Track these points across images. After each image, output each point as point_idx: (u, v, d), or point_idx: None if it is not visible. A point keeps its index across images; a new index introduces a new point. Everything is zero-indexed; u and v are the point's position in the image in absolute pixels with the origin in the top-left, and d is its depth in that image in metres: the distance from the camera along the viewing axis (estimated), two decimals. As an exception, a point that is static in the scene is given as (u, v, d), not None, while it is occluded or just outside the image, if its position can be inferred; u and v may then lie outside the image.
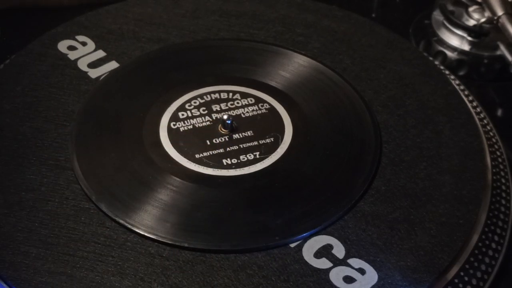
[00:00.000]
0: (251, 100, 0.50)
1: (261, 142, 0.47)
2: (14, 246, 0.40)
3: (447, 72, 0.54)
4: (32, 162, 0.45)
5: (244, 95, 0.50)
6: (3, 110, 0.48)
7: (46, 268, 0.39)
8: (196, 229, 0.41)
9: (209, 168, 0.45)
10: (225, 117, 0.47)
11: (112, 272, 0.39)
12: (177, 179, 0.44)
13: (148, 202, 0.43)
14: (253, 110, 0.49)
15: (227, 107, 0.49)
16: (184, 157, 0.45)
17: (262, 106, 0.49)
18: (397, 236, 0.41)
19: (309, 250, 0.41)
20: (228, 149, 0.46)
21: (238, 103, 0.49)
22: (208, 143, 0.47)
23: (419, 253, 0.41)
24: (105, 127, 0.47)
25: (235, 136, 0.47)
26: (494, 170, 0.47)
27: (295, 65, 0.52)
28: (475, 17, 0.58)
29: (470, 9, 0.59)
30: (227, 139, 0.47)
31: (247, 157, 0.46)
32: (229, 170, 0.45)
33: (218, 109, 0.49)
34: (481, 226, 0.43)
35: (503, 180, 0.47)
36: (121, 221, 0.42)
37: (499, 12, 0.56)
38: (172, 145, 0.46)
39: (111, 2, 0.58)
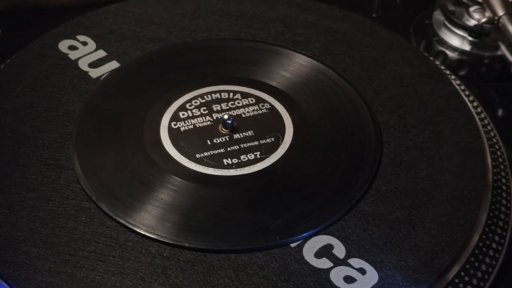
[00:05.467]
0: (251, 100, 0.50)
1: (262, 142, 0.47)
2: (14, 246, 0.40)
3: (447, 72, 0.54)
4: (32, 162, 0.45)
5: (244, 95, 0.50)
6: (3, 110, 0.48)
7: (47, 268, 0.39)
8: (196, 229, 0.41)
9: (209, 168, 0.45)
10: (225, 117, 0.47)
11: (113, 272, 0.39)
12: (178, 179, 0.44)
13: (148, 202, 0.43)
14: (253, 110, 0.49)
15: (227, 107, 0.49)
16: (185, 157, 0.45)
17: (262, 106, 0.49)
18: (398, 236, 0.41)
19: (309, 250, 0.41)
20: (228, 149, 0.46)
21: (238, 103, 0.49)
22: (209, 143, 0.47)
23: (420, 253, 0.41)
24: (106, 127, 0.47)
25: (236, 136, 0.47)
26: (494, 170, 0.47)
27: (295, 65, 0.52)
28: (475, 17, 0.58)
29: (471, 9, 0.59)
30: (227, 139, 0.47)
31: (248, 157, 0.46)
32: (230, 170, 0.45)
33: (219, 109, 0.49)
34: (482, 226, 0.43)
35: (503, 180, 0.47)
36: (122, 221, 0.42)
37: (500, 12, 0.56)
38: (173, 145, 0.46)
39: (111, 2, 0.58)
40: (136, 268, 0.40)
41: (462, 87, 0.53)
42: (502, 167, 0.48)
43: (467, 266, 0.41)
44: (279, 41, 0.54)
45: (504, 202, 0.46)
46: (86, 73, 0.51)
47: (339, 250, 0.41)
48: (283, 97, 0.50)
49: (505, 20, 0.55)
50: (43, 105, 0.49)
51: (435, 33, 0.60)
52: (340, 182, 0.44)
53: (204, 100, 0.49)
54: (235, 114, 0.48)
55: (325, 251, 0.41)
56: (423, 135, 0.47)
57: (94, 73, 0.51)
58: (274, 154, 0.46)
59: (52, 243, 0.41)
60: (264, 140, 0.47)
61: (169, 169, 0.45)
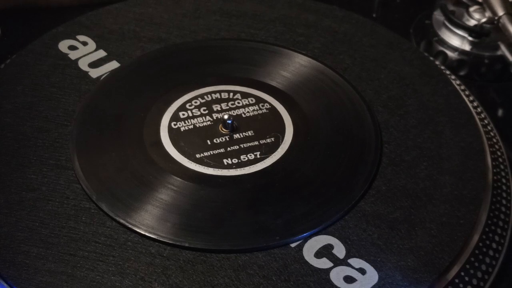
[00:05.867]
0: (251, 100, 0.50)
1: (262, 142, 0.47)
2: (14, 246, 0.40)
3: (447, 72, 0.54)
4: (32, 162, 0.45)
5: (244, 95, 0.50)
6: (4, 110, 0.48)
7: (47, 268, 0.39)
8: (196, 229, 0.41)
9: (209, 168, 0.45)
10: (225, 117, 0.47)
11: (113, 272, 0.39)
12: (178, 179, 0.44)
13: (148, 202, 0.43)
14: (253, 110, 0.49)
15: (227, 107, 0.49)
16: (185, 157, 0.45)
17: (262, 106, 0.49)
18: (398, 236, 0.41)
19: (309, 250, 0.41)
20: (228, 149, 0.46)
21: (238, 103, 0.49)
22: (209, 143, 0.47)
23: (420, 253, 0.41)
24: (106, 127, 0.47)
25: (236, 136, 0.47)
26: (494, 170, 0.47)
27: (295, 65, 0.52)
28: (475, 17, 0.58)
29: (471, 9, 0.59)
30: (227, 139, 0.47)
31: (248, 157, 0.46)
32: (230, 170, 0.45)
33: (219, 109, 0.49)
34: (482, 226, 0.43)
35: (503, 180, 0.47)
36: (122, 221, 0.42)
37: (500, 12, 0.56)
38: (173, 145, 0.46)
39: (112, 2, 0.58)
40: (136, 268, 0.40)
41: (462, 87, 0.53)
42: (502, 167, 0.48)
43: (467, 266, 0.41)
44: (279, 41, 0.54)
45: (504, 202, 0.46)
46: (86, 73, 0.51)
47: (339, 250, 0.41)
48: (283, 97, 0.50)
49: (505, 20, 0.55)
50: (43, 105, 0.49)
51: (435, 33, 0.60)
52: (340, 182, 0.44)
53: (204, 100, 0.49)
54: (235, 114, 0.48)
55: (325, 251, 0.41)
56: (423, 135, 0.47)
57: (94, 73, 0.51)
58: (274, 154, 0.46)
59: (52, 243, 0.41)
60: (264, 140, 0.47)
61: (169, 169, 0.45)
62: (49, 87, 0.50)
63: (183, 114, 0.48)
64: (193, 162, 0.45)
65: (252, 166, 0.45)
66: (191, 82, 0.51)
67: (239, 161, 0.45)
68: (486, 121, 0.51)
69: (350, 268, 0.40)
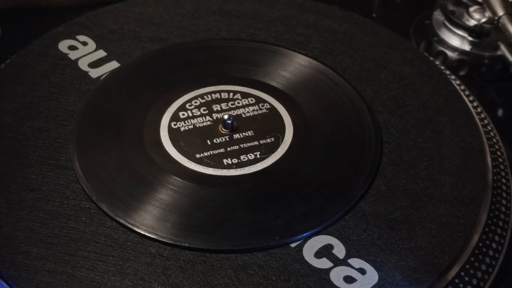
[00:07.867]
0: (251, 100, 0.50)
1: (262, 142, 0.47)
2: (14, 246, 0.40)
3: (447, 72, 0.54)
4: (32, 162, 0.45)
5: (244, 95, 0.50)
6: (4, 110, 0.48)
7: (47, 268, 0.39)
8: (196, 229, 0.41)
9: (209, 168, 0.45)
10: (225, 117, 0.47)
11: (113, 272, 0.39)
12: (178, 179, 0.44)
13: (148, 202, 0.43)
14: (253, 110, 0.49)
15: (227, 107, 0.49)
16: (185, 157, 0.45)
17: (262, 106, 0.49)
18: (398, 236, 0.41)
19: (309, 250, 0.41)
20: (228, 149, 0.46)
21: (238, 103, 0.49)
22: (209, 143, 0.47)
23: (420, 253, 0.41)
24: (106, 127, 0.47)
25: (236, 136, 0.47)
26: (494, 170, 0.47)
27: (295, 65, 0.52)
28: (475, 17, 0.58)
29: (471, 9, 0.59)
30: (227, 139, 0.47)
31: (248, 157, 0.46)
32: (230, 170, 0.45)
33: (219, 109, 0.49)
34: (482, 226, 0.43)
35: (503, 180, 0.47)
36: (122, 221, 0.42)
37: (500, 12, 0.56)
38: (173, 145, 0.46)
39: (112, 2, 0.58)
40: (136, 268, 0.40)
41: (462, 87, 0.53)
42: (502, 167, 0.48)
43: (467, 266, 0.41)
44: (279, 41, 0.54)
45: (504, 202, 0.46)
46: (86, 73, 0.51)
47: (339, 250, 0.41)
48: (283, 97, 0.50)
49: (505, 20, 0.55)
50: (43, 105, 0.49)
51: (435, 33, 0.60)
52: (340, 182, 0.44)
53: (204, 100, 0.49)
54: (235, 114, 0.48)
55: (325, 251, 0.41)
56: (423, 135, 0.47)
57: (94, 73, 0.51)
58: (274, 154, 0.46)
59: (52, 243, 0.41)
60: (264, 140, 0.47)
61: (169, 169, 0.45)
62: (49, 87, 0.50)
63: (183, 114, 0.48)
64: (193, 162, 0.45)
65: (252, 166, 0.45)
66: (191, 82, 0.51)
67: (239, 161, 0.45)
68: (486, 121, 0.51)
69: (350, 268, 0.40)
